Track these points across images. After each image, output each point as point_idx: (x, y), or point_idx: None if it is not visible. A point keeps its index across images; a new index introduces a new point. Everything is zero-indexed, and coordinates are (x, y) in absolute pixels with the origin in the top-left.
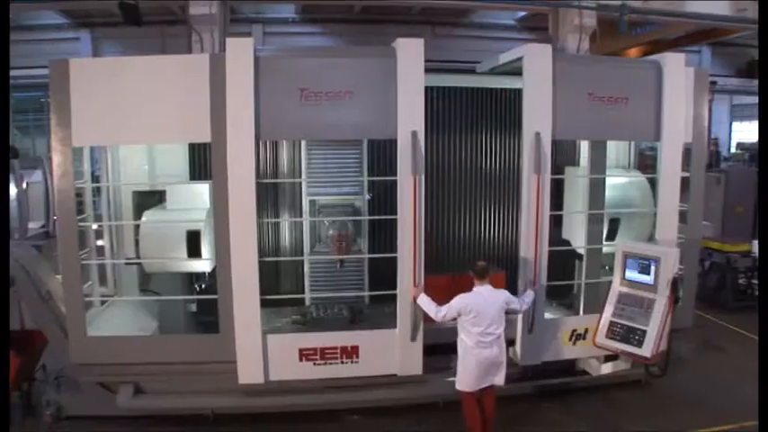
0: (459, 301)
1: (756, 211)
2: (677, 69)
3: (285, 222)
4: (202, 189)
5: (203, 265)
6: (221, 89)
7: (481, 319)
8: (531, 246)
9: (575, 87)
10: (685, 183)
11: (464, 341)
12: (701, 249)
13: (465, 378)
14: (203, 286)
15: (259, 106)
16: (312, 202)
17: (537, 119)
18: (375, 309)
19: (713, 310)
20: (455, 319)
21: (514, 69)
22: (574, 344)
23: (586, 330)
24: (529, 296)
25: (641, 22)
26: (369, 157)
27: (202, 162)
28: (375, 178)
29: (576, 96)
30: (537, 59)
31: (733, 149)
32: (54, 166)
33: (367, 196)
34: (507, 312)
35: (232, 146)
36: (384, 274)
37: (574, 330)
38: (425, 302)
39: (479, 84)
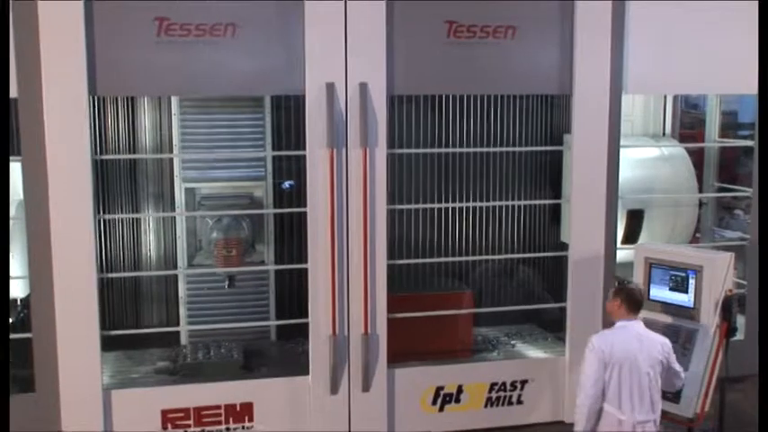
0: (596, 345)
1: None
2: None
3: (148, 220)
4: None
5: (11, 287)
6: (31, 17)
7: (627, 376)
8: (361, 263)
9: (423, 14)
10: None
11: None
12: None
13: None
14: (12, 320)
15: (93, 45)
16: (190, 191)
17: (363, 63)
18: (283, 347)
19: None
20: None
21: None
22: (440, 410)
23: (460, 389)
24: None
25: None
26: (273, 123)
27: (12, 130)
28: (281, 153)
29: (426, 29)
30: None
31: None
32: None
33: (286, 184)
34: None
35: (50, 104)
36: (298, 296)
37: (438, 389)
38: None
39: None
